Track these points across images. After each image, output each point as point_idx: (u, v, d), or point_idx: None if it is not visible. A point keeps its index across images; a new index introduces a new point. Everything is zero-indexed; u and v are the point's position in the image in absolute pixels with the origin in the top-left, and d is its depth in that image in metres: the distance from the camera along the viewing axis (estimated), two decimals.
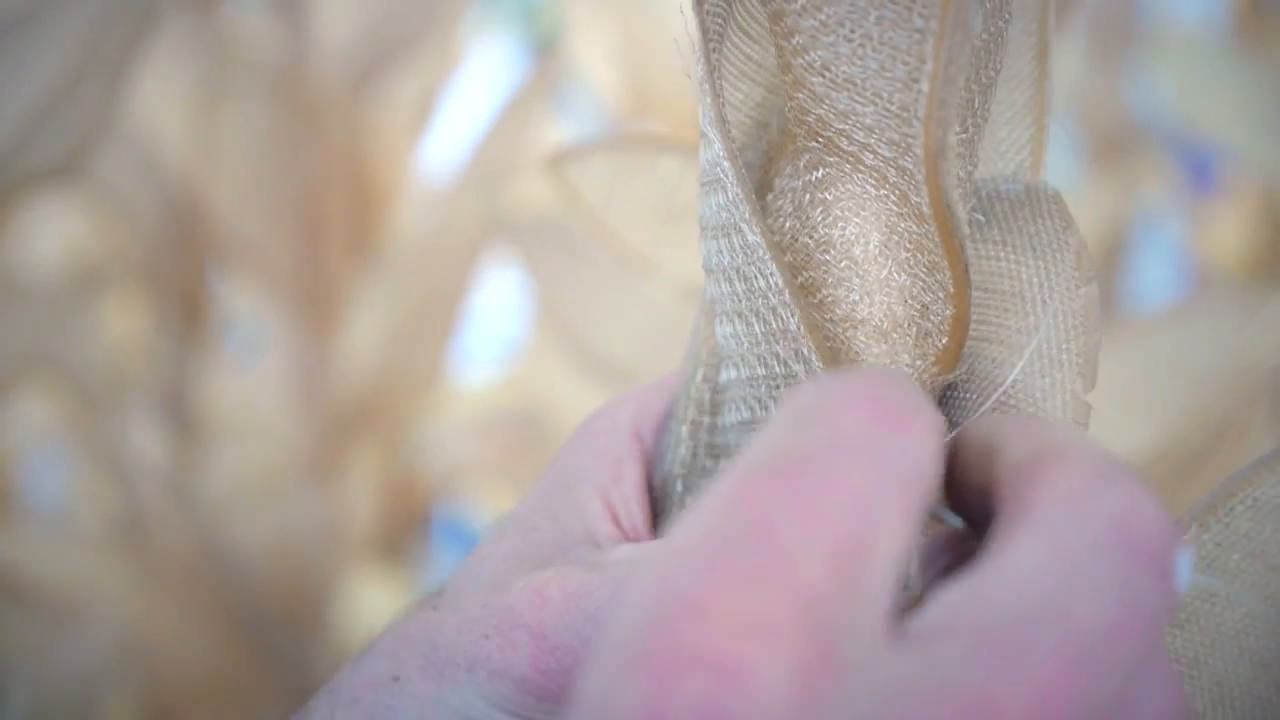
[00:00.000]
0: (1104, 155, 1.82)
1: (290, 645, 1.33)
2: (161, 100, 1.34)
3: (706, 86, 0.35)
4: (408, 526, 1.60)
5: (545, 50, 2.42)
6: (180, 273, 1.50)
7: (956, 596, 0.29)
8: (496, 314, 2.01)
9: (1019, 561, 0.29)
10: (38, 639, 1.37)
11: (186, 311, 1.51)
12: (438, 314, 1.48)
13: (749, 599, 0.27)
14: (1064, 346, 0.37)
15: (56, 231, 1.60)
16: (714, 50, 0.37)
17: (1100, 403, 1.11)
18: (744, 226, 0.36)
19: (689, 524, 0.28)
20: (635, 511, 0.41)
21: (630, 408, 0.43)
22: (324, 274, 1.41)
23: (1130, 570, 0.29)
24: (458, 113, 1.69)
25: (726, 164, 0.36)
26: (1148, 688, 0.30)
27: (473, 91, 1.86)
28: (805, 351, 0.36)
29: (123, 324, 1.65)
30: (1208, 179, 1.86)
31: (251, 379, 1.61)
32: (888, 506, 0.29)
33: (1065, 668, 0.28)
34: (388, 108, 1.45)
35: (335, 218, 1.41)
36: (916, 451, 0.29)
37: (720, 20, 0.37)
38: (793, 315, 0.36)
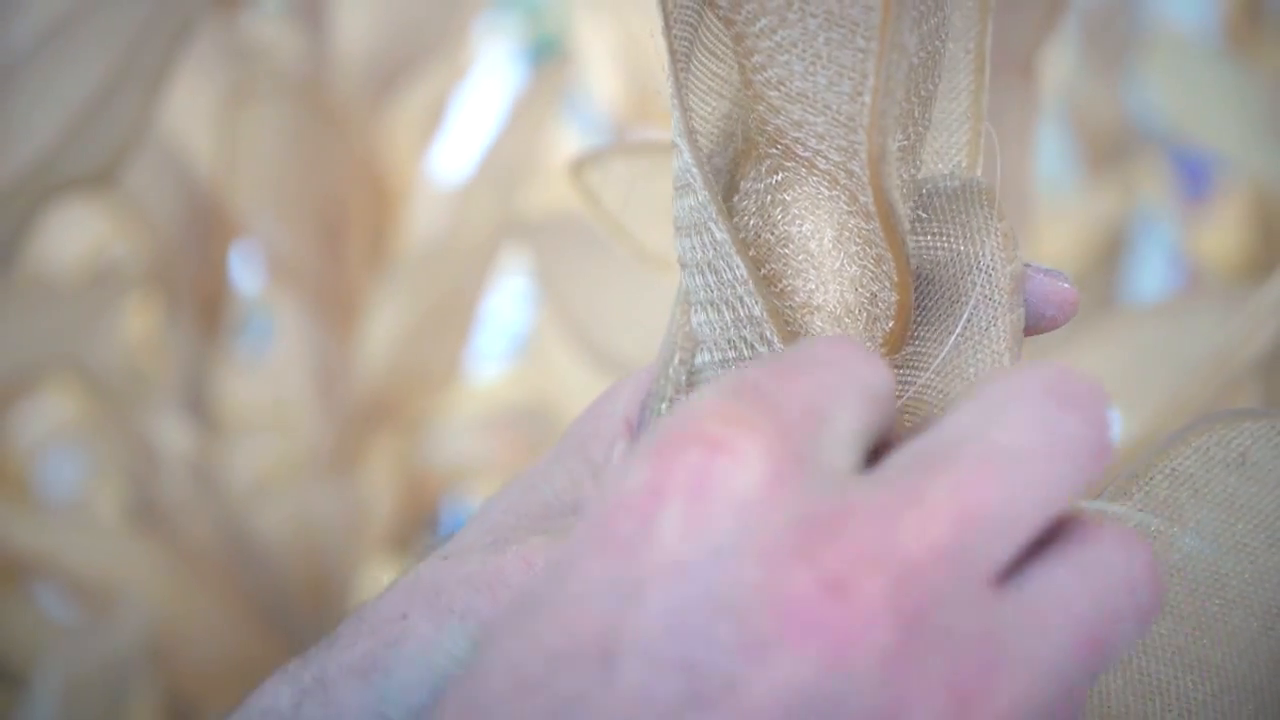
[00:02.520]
0: (1102, 158, 1.85)
1: (311, 632, 1.37)
2: (185, 105, 1.38)
3: (676, 102, 0.40)
4: (422, 518, 1.64)
5: (548, 53, 2.46)
6: (202, 274, 1.54)
7: (902, 449, 0.35)
8: (507, 312, 2.05)
9: (956, 417, 0.35)
10: (69, 627, 1.41)
11: (208, 311, 1.55)
12: (452, 313, 1.52)
13: (741, 411, 0.33)
14: (993, 321, 0.41)
15: (80, 232, 1.63)
16: (682, 69, 0.42)
17: None
18: (712, 225, 0.41)
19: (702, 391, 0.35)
20: None
21: (629, 390, 0.48)
22: (343, 275, 1.45)
23: (1053, 410, 0.34)
24: (469, 116, 1.73)
25: (695, 170, 0.41)
26: (1100, 550, 0.35)
27: (481, 95, 1.90)
28: (769, 334, 0.41)
29: (146, 324, 1.69)
30: (1202, 182, 1.88)
31: (272, 376, 1.65)
32: (849, 394, 0.35)
33: (981, 473, 0.33)
34: (404, 113, 1.49)
35: (354, 220, 1.45)
36: (874, 374, 0.36)
37: (687, 42, 0.42)
38: (757, 303, 0.41)
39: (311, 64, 1.42)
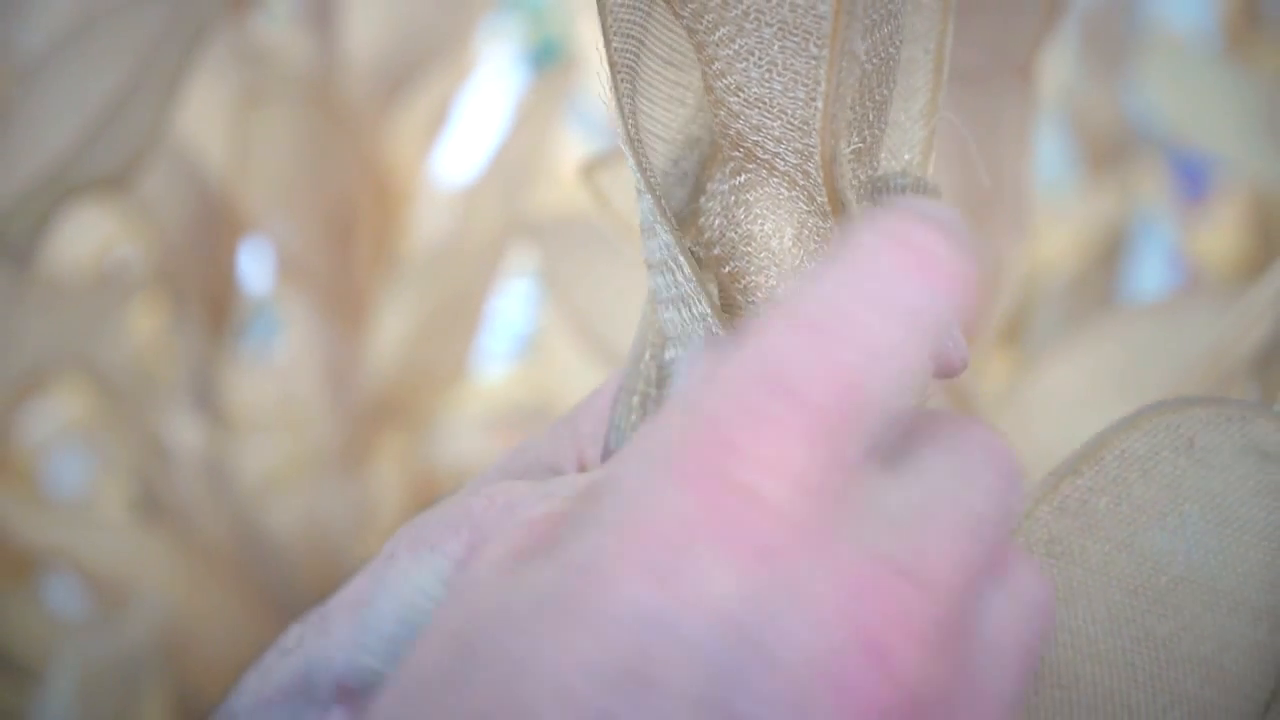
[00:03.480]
0: (1102, 160, 1.86)
1: None
2: (194, 106, 1.40)
3: (619, 111, 0.43)
4: None
5: (550, 56, 2.48)
6: (211, 273, 1.56)
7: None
8: (511, 313, 2.08)
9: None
10: (84, 620, 1.44)
11: (216, 310, 1.57)
12: (460, 313, 1.54)
13: (769, 438, 0.33)
14: None
15: (88, 232, 1.65)
16: (625, 80, 0.45)
17: (1094, 385, 1.16)
18: (658, 226, 0.44)
19: (734, 358, 0.34)
20: (592, 464, 0.50)
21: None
22: (352, 275, 1.47)
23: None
24: (474, 117, 1.75)
25: (638, 175, 0.44)
26: (964, 443, 0.36)
27: (483, 97, 1.92)
28: (714, 329, 0.44)
29: (156, 323, 1.71)
30: (1201, 183, 1.89)
31: (283, 375, 1.68)
32: (894, 354, 0.34)
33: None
34: (412, 115, 1.51)
35: (363, 221, 1.47)
36: (934, 297, 0.35)
37: (632, 55, 0.45)
38: (700, 300, 0.44)
39: (321, 68, 1.44)
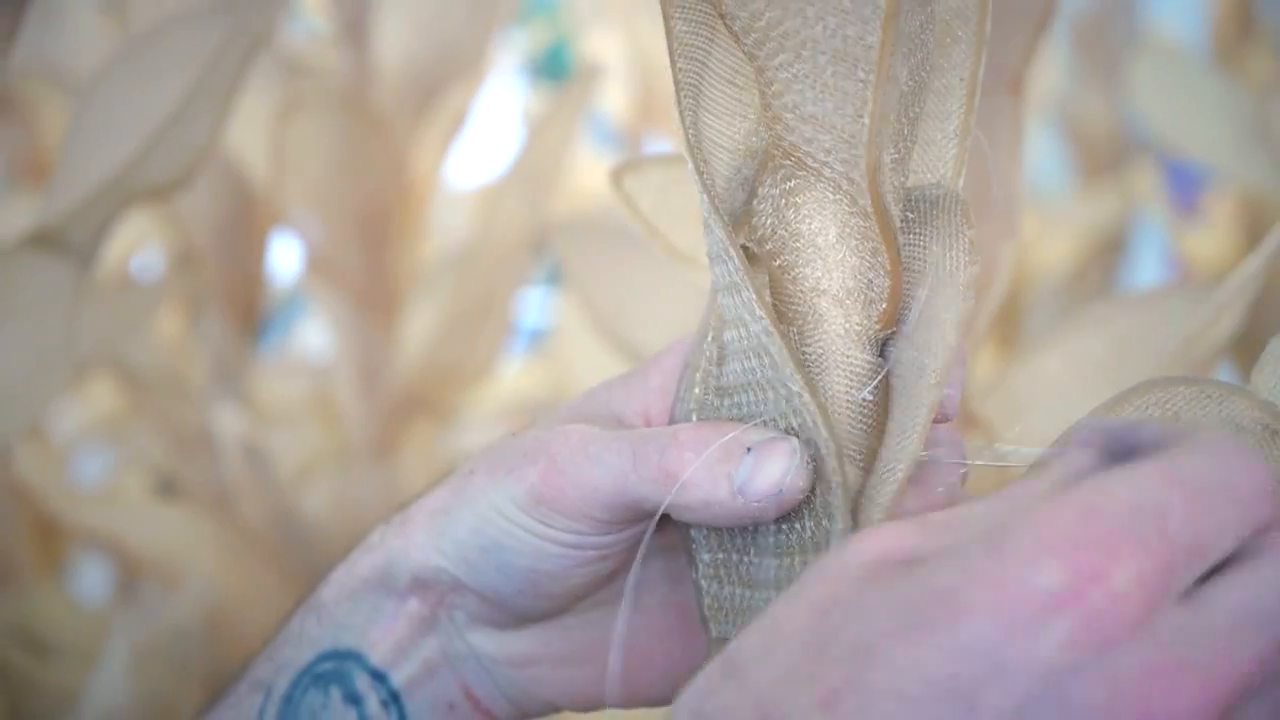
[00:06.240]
0: (1098, 166, 1.91)
1: None
2: (237, 114, 1.44)
3: (681, 123, 0.51)
4: None
5: (558, 64, 2.53)
6: (247, 273, 1.61)
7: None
8: (528, 313, 2.13)
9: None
10: (137, 602, 1.49)
11: (250, 308, 1.62)
12: (485, 312, 1.59)
13: (1146, 543, 0.40)
14: (946, 309, 0.51)
15: (126, 231, 1.69)
16: (688, 95, 0.52)
17: (1084, 372, 1.21)
18: (711, 223, 0.51)
19: (1130, 473, 0.41)
20: (656, 425, 0.57)
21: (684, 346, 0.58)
22: (383, 275, 1.52)
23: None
24: (485, 123, 1.79)
25: (694, 175, 0.51)
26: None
27: (493, 104, 1.96)
28: (758, 311, 0.51)
29: (187, 321, 1.76)
30: (1194, 188, 1.94)
31: (317, 371, 1.73)
32: (1227, 527, 0.41)
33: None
34: (441, 122, 1.56)
35: (394, 223, 1.52)
36: (1247, 508, 0.42)
37: (696, 75, 0.52)
38: (747, 287, 0.51)
39: (355, 78, 1.49)
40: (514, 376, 1.99)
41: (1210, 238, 1.83)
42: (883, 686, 0.39)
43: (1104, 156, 1.88)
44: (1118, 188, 1.87)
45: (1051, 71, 1.85)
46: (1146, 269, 2.11)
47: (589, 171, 1.91)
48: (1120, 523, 0.40)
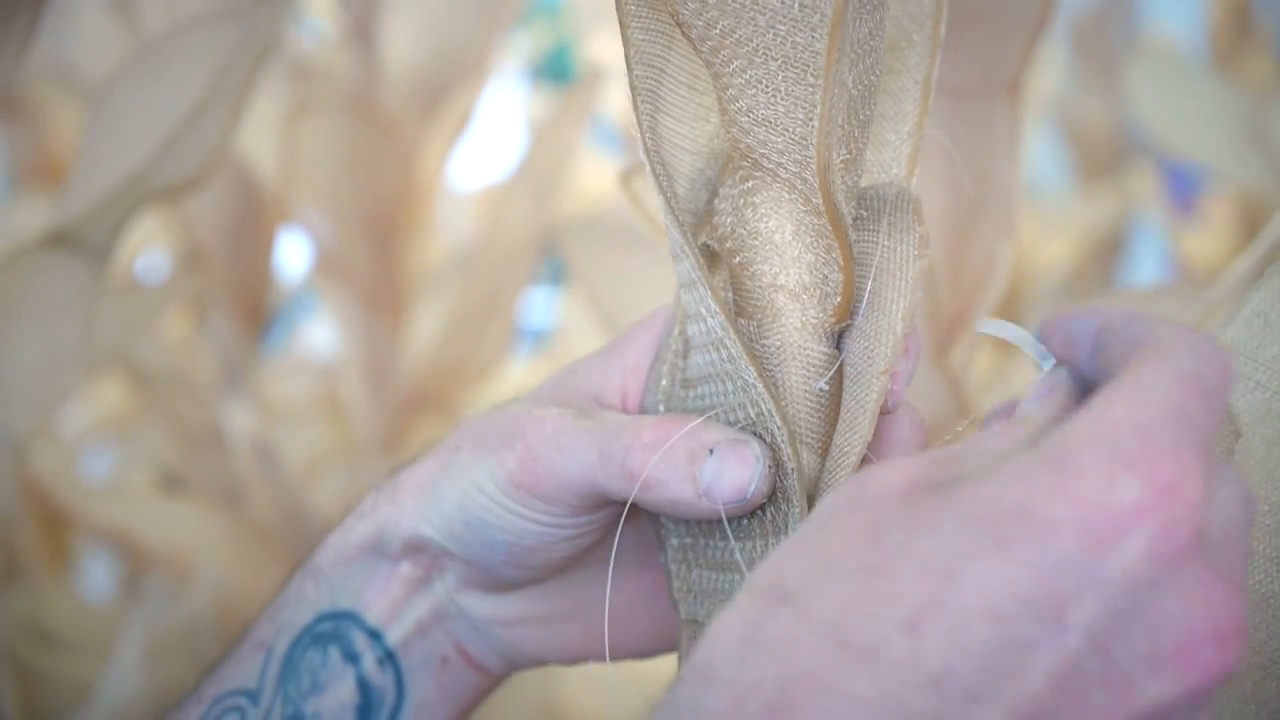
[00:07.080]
0: (1097, 167, 1.92)
1: None
2: (248, 116, 1.46)
3: (639, 129, 0.53)
4: None
5: (559, 66, 2.54)
6: (257, 273, 1.63)
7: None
8: (532, 313, 2.15)
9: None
10: (143, 596, 1.51)
11: (258, 307, 1.64)
12: (491, 309, 1.62)
13: (1193, 455, 0.42)
14: (895, 301, 0.53)
15: (136, 231, 1.71)
16: (646, 101, 0.54)
17: None
18: (669, 223, 0.54)
19: (1152, 386, 0.44)
20: (632, 403, 0.60)
21: (658, 324, 0.61)
22: (391, 275, 1.54)
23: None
24: (487, 125, 1.80)
25: (652, 177, 0.53)
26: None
27: (494, 105, 1.97)
28: (713, 306, 0.53)
29: (196, 321, 1.78)
30: (1192, 189, 1.94)
31: (327, 368, 1.75)
32: (1218, 417, 0.44)
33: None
34: (446, 123, 1.58)
35: (401, 223, 1.54)
36: (1228, 380, 0.45)
37: (654, 81, 0.55)
38: (703, 284, 0.53)
39: (363, 82, 1.51)
40: (519, 374, 2.01)
41: (1208, 238, 1.84)
42: (972, 606, 0.41)
43: (1103, 158, 1.89)
44: (1116, 189, 1.88)
45: (1050, 74, 1.87)
46: (1145, 269, 2.12)
47: (593, 173, 1.93)
48: (1171, 434, 0.42)
